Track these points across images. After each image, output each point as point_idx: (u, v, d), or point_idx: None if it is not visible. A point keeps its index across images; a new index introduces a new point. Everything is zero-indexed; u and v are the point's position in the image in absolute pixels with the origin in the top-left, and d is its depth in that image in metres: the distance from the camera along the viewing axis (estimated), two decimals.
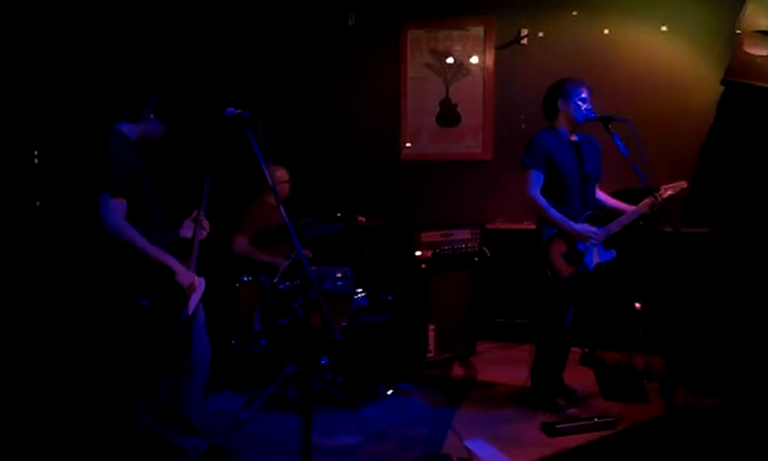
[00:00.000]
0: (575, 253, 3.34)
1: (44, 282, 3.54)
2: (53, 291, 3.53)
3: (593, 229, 3.35)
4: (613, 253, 3.45)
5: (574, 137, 3.42)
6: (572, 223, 3.31)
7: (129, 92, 2.60)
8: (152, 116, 2.59)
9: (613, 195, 3.69)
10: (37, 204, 3.55)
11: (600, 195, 3.57)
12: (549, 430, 3.16)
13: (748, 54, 3.83)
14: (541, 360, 3.49)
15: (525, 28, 4.72)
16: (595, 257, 3.39)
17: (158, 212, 2.63)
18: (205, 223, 2.73)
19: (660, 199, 3.26)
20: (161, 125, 2.63)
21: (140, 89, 2.59)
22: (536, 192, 3.32)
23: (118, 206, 2.41)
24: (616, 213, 3.46)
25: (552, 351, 3.47)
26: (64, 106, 3.62)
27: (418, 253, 4.09)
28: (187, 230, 2.72)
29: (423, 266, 4.10)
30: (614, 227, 3.38)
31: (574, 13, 4.63)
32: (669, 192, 3.36)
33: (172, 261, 2.53)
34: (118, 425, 2.77)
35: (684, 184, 3.42)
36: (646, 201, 3.33)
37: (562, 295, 3.34)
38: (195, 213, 2.74)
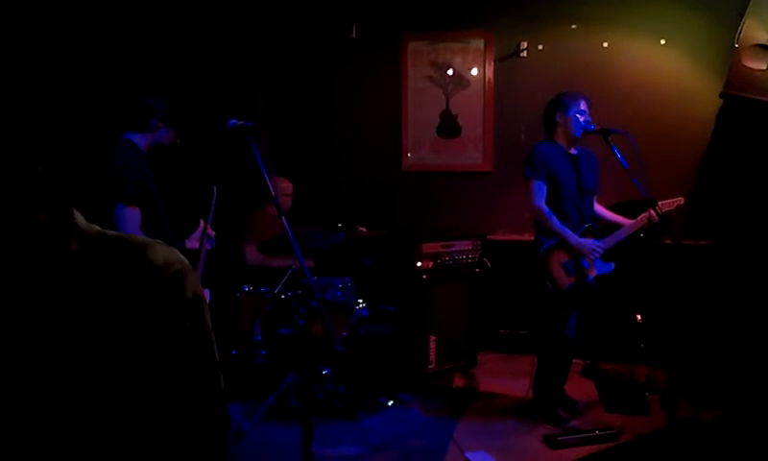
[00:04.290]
0: (575, 263, 3.35)
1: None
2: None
3: (597, 242, 3.36)
4: (612, 265, 3.46)
5: (572, 151, 3.45)
6: (576, 237, 3.32)
7: (134, 103, 2.61)
8: (160, 124, 2.60)
9: (612, 208, 3.71)
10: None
11: (598, 208, 3.59)
12: (551, 442, 3.15)
13: (746, 68, 3.86)
14: (543, 372, 3.49)
15: (525, 41, 4.76)
16: (593, 270, 3.40)
17: (166, 222, 2.64)
18: (212, 233, 2.74)
19: (657, 213, 3.28)
20: (171, 131, 2.63)
21: (145, 100, 2.60)
22: (542, 203, 3.33)
23: (133, 215, 2.42)
24: (614, 226, 3.48)
25: (554, 362, 3.47)
26: (70, 116, 3.63)
27: (419, 263, 4.10)
28: (194, 241, 2.73)
29: (425, 277, 4.10)
30: (612, 240, 3.40)
31: (573, 27, 4.67)
32: (666, 208, 3.39)
33: None
34: None
35: (681, 201, 3.46)
36: (643, 215, 3.36)
37: (561, 305, 3.35)
38: (202, 224, 2.74)
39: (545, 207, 3.33)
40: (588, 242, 3.35)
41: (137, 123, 2.59)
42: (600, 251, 3.36)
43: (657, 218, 3.32)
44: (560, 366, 3.51)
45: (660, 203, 3.34)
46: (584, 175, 3.41)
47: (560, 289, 3.30)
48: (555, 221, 3.31)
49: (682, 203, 3.46)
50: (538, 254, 3.33)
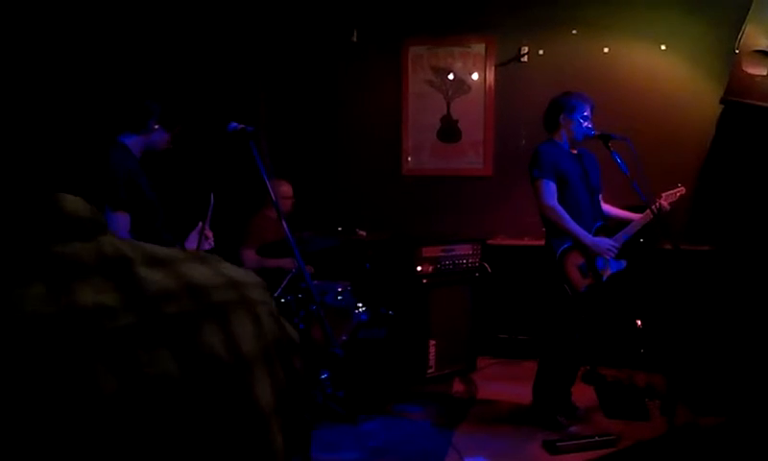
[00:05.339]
0: (590, 265, 3.33)
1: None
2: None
3: (611, 241, 3.35)
4: (624, 263, 3.45)
5: (574, 150, 3.44)
6: (591, 236, 3.30)
7: (132, 103, 2.59)
8: (156, 127, 2.59)
9: None
10: None
11: (605, 206, 3.58)
12: (550, 448, 3.14)
13: (747, 73, 3.86)
14: (547, 376, 3.46)
15: (526, 46, 4.77)
16: (608, 269, 3.39)
17: (161, 226, 2.63)
18: (210, 234, 2.73)
19: (664, 206, 3.30)
20: (166, 134, 2.62)
21: (143, 100, 2.59)
22: (554, 202, 3.25)
23: (121, 220, 2.41)
24: (622, 224, 3.48)
25: (563, 366, 3.44)
26: (66, 117, 3.64)
27: (419, 268, 4.10)
28: (192, 243, 2.72)
29: (424, 281, 4.10)
30: (624, 236, 3.38)
31: (574, 32, 4.68)
32: (670, 199, 3.40)
33: None
34: None
35: (682, 190, 3.48)
36: (649, 210, 3.36)
37: (579, 308, 3.33)
38: (200, 226, 2.74)
39: (558, 206, 3.25)
40: (604, 241, 3.32)
41: (135, 124, 2.56)
42: (615, 250, 3.34)
43: (667, 208, 3.34)
44: (569, 369, 3.48)
45: (663, 194, 3.36)
46: (590, 173, 3.39)
47: (577, 292, 3.29)
48: (569, 220, 3.25)
49: (684, 192, 3.47)
50: (553, 258, 3.28)
